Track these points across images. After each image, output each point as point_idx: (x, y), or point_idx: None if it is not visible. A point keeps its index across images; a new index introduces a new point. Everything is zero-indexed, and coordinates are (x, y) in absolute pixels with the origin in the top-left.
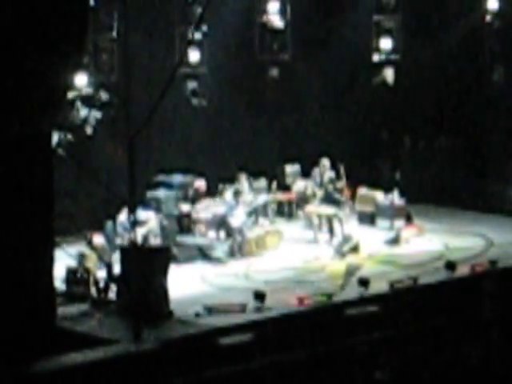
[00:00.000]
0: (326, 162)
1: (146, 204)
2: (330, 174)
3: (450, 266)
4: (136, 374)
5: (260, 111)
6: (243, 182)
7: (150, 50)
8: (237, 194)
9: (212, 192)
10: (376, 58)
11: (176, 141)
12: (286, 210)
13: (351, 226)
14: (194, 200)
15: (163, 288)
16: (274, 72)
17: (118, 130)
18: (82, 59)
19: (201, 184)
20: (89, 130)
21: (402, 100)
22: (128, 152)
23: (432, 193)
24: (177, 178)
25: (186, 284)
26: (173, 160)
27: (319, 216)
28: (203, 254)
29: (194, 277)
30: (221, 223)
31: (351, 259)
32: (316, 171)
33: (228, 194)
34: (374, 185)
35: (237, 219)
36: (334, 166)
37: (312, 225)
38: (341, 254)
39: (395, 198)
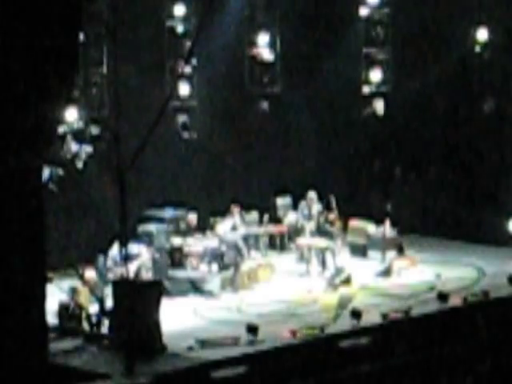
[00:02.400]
0: (312, 194)
1: (137, 238)
2: (317, 206)
3: (443, 296)
4: None
5: (250, 144)
6: (236, 215)
7: (140, 84)
8: (234, 228)
9: (204, 225)
10: (366, 89)
11: (167, 174)
12: (277, 243)
13: (343, 258)
14: (185, 234)
15: (155, 322)
16: (264, 105)
17: (109, 164)
18: (72, 94)
19: (192, 218)
20: (79, 165)
21: (392, 131)
22: (119, 186)
23: (423, 223)
24: (168, 212)
25: (179, 318)
26: (164, 194)
27: (311, 248)
28: (195, 287)
29: (186, 310)
30: (214, 256)
31: (343, 291)
32: (303, 204)
33: (220, 228)
34: (365, 216)
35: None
36: (325, 198)
37: (304, 257)
38: (333, 286)
39: (387, 229)
